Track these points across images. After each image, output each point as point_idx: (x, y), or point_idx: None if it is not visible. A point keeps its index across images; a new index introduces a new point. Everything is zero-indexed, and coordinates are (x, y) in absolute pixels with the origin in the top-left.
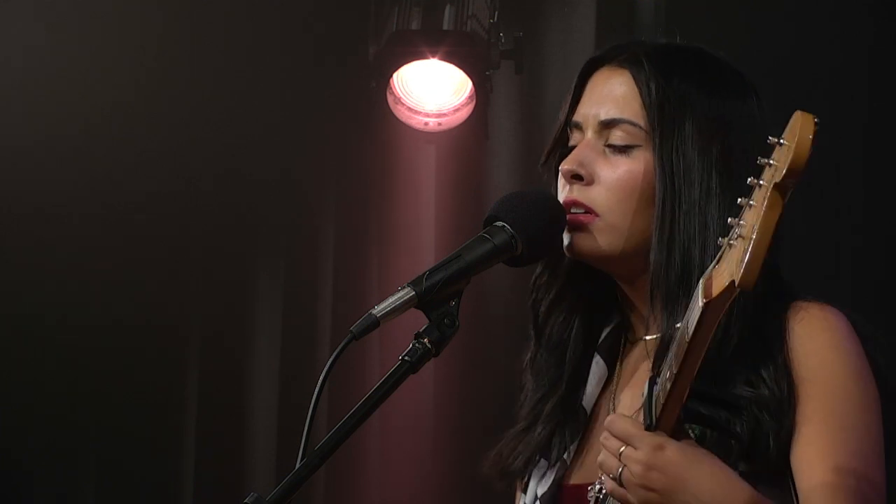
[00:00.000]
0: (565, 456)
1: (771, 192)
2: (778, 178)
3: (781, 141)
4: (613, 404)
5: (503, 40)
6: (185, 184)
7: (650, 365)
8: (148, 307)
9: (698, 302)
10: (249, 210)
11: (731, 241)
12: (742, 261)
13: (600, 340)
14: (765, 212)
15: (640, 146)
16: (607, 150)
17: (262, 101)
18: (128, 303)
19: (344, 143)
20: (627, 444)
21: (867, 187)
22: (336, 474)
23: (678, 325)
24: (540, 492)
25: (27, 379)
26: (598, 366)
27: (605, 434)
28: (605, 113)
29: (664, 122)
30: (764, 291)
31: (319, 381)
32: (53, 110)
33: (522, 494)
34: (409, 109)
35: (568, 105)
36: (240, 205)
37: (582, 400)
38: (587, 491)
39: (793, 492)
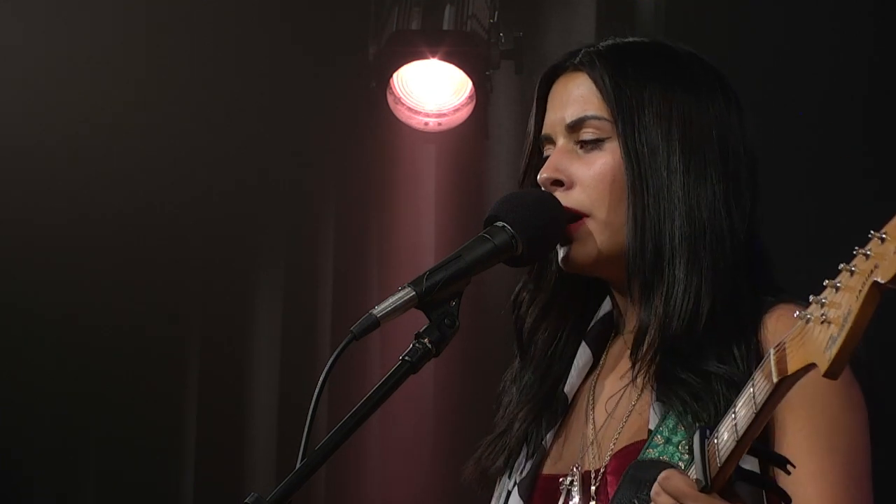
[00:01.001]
0: (543, 442)
1: (870, 289)
2: (882, 279)
3: (883, 235)
4: (593, 395)
5: (503, 40)
6: (185, 184)
7: (635, 354)
8: (148, 307)
9: (772, 377)
10: (249, 210)
11: (811, 317)
12: (830, 350)
13: (589, 328)
14: (861, 307)
15: (609, 138)
16: (580, 150)
17: (262, 102)
18: (128, 302)
19: (344, 143)
20: (680, 503)
21: (868, 188)
22: (336, 474)
23: (750, 388)
24: (518, 479)
25: (27, 380)
26: (583, 353)
27: (656, 489)
28: (570, 115)
29: (623, 110)
30: (748, 285)
31: (319, 381)
32: (53, 115)
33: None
34: (409, 109)
35: (534, 121)
36: (239, 205)
37: (564, 387)
38: (560, 482)
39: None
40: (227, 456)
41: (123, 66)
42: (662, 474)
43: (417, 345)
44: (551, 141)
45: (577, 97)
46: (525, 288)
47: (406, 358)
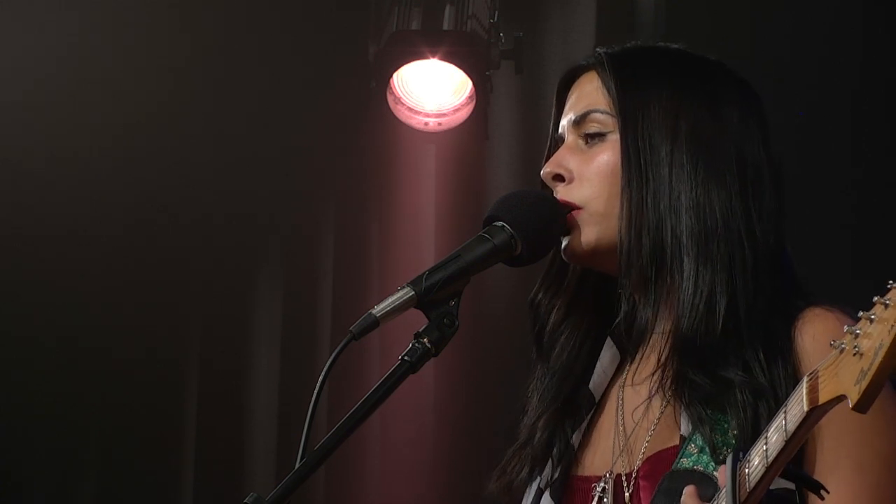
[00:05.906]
0: (571, 443)
1: None
2: None
3: None
4: (622, 396)
5: (503, 40)
6: (185, 184)
7: (658, 359)
8: (148, 307)
9: (802, 405)
10: (249, 210)
11: (845, 346)
12: (860, 383)
13: (613, 325)
14: (893, 340)
15: (612, 132)
16: (584, 145)
17: (262, 102)
18: (128, 302)
19: (344, 143)
20: None
21: (864, 187)
22: (336, 474)
23: (783, 417)
24: (549, 479)
25: (28, 380)
26: (609, 350)
27: None
28: (576, 111)
29: (626, 104)
30: (773, 288)
31: (319, 382)
32: (54, 118)
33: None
34: (409, 109)
35: (552, 121)
36: (240, 205)
37: (588, 384)
38: (592, 487)
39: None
40: (227, 456)
41: (123, 69)
42: (684, 498)
43: (417, 344)
44: (563, 140)
45: (585, 94)
46: (543, 289)
47: (405, 358)
